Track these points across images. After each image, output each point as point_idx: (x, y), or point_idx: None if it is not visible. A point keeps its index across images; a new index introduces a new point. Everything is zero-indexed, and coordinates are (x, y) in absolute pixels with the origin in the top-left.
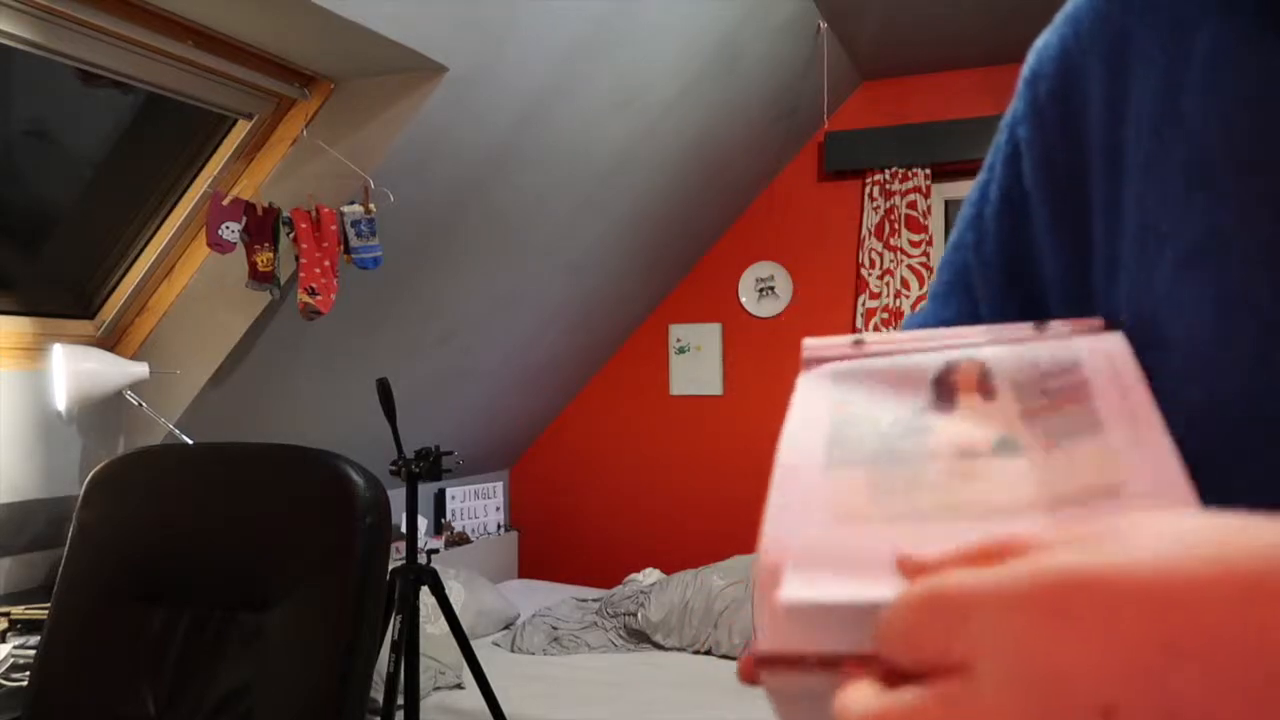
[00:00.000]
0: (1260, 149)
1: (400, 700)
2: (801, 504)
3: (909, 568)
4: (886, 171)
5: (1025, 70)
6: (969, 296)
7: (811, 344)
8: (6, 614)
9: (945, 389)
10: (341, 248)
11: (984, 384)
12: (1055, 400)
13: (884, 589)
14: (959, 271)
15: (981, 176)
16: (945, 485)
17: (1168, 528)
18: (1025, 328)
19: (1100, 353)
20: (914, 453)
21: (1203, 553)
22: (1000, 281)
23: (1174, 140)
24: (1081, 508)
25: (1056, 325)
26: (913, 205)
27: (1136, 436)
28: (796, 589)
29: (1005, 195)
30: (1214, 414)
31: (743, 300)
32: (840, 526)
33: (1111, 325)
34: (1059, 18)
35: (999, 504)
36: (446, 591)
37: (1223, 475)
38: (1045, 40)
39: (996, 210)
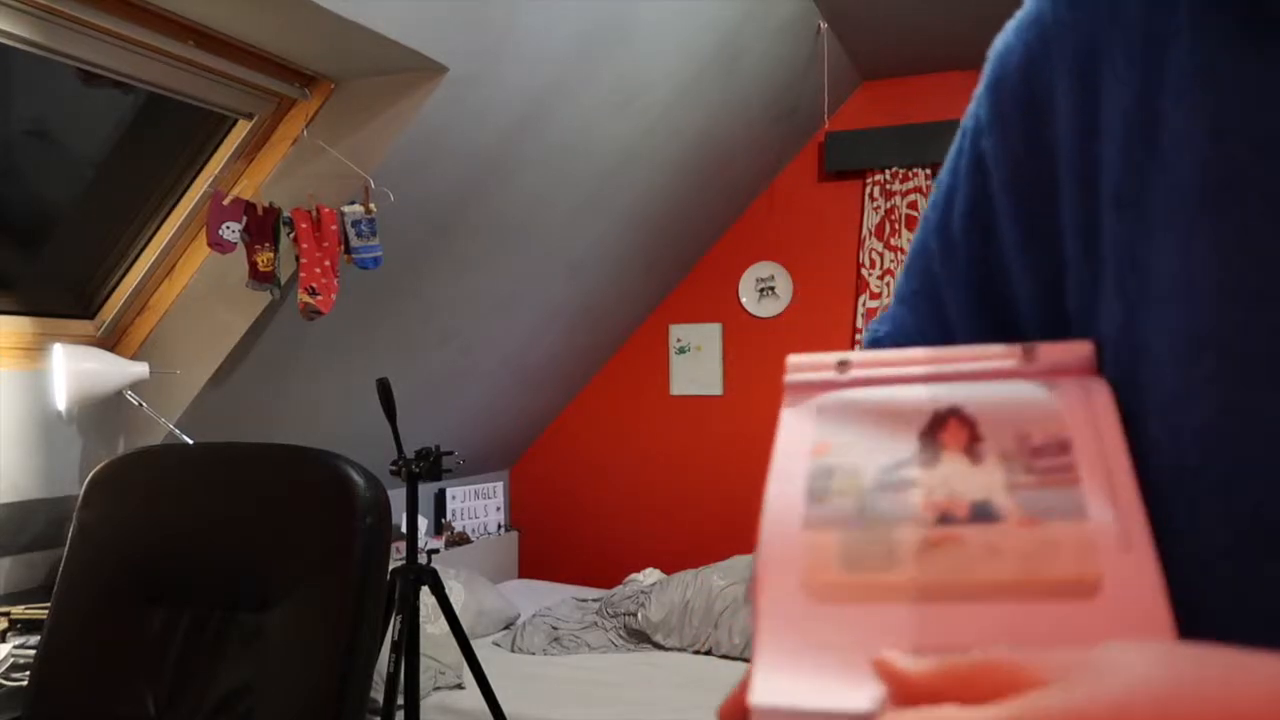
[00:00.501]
0: (1235, 182)
1: (400, 700)
2: (780, 569)
3: (889, 677)
4: (887, 171)
5: (987, 74)
6: (939, 305)
7: (796, 363)
8: (7, 614)
9: (931, 442)
10: (342, 248)
11: (971, 447)
12: (1041, 477)
13: (859, 697)
14: (926, 281)
15: (944, 177)
16: (919, 558)
17: (1159, 664)
18: (1014, 353)
19: (1085, 411)
20: (891, 514)
21: (1204, 691)
22: (972, 298)
23: (1150, 169)
24: (1058, 603)
25: (1045, 351)
26: (913, 205)
27: (1118, 524)
28: (767, 693)
29: (972, 210)
30: (1176, 457)
31: (743, 300)
32: (813, 604)
33: (1098, 348)
34: (1020, 20)
35: (973, 586)
36: (447, 591)
37: (1181, 516)
38: (1006, 44)
39: (964, 226)
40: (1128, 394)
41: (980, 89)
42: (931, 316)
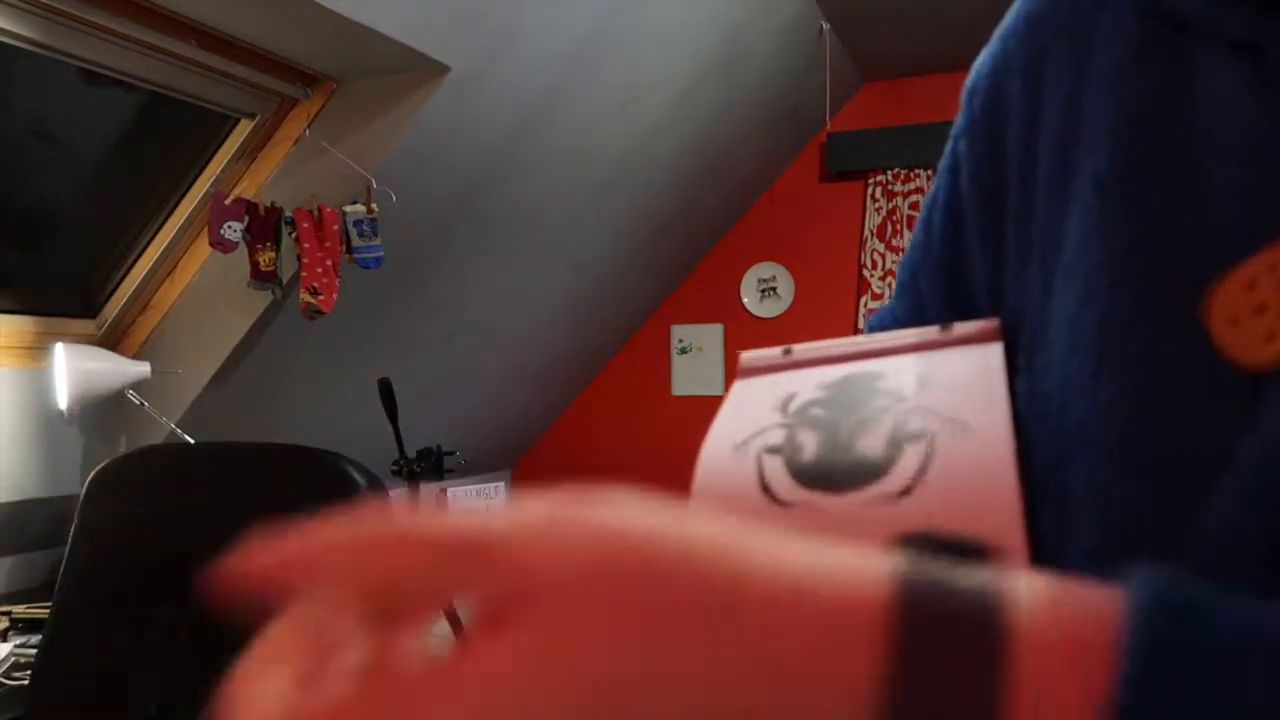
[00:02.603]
0: (1126, 170)
1: None
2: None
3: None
4: (889, 172)
5: (966, 84)
6: (918, 294)
7: (748, 357)
8: (8, 613)
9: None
10: (343, 247)
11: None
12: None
13: None
14: (911, 271)
15: (936, 180)
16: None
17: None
18: (934, 331)
19: (979, 364)
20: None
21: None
22: (944, 286)
23: (1072, 158)
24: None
25: (959, 327)
26: (915, 206)
27: (984, 447)
28: None
29: (947, 205)
30: (1059, 445)
31: (745, 301)
32: None
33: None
34: (996, 33)
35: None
36: None
37: (1053, 499)
38: (983, 56)
39: (940, 221)
40: (1036, 373)
41: (962, 96)
42: (913, 306)
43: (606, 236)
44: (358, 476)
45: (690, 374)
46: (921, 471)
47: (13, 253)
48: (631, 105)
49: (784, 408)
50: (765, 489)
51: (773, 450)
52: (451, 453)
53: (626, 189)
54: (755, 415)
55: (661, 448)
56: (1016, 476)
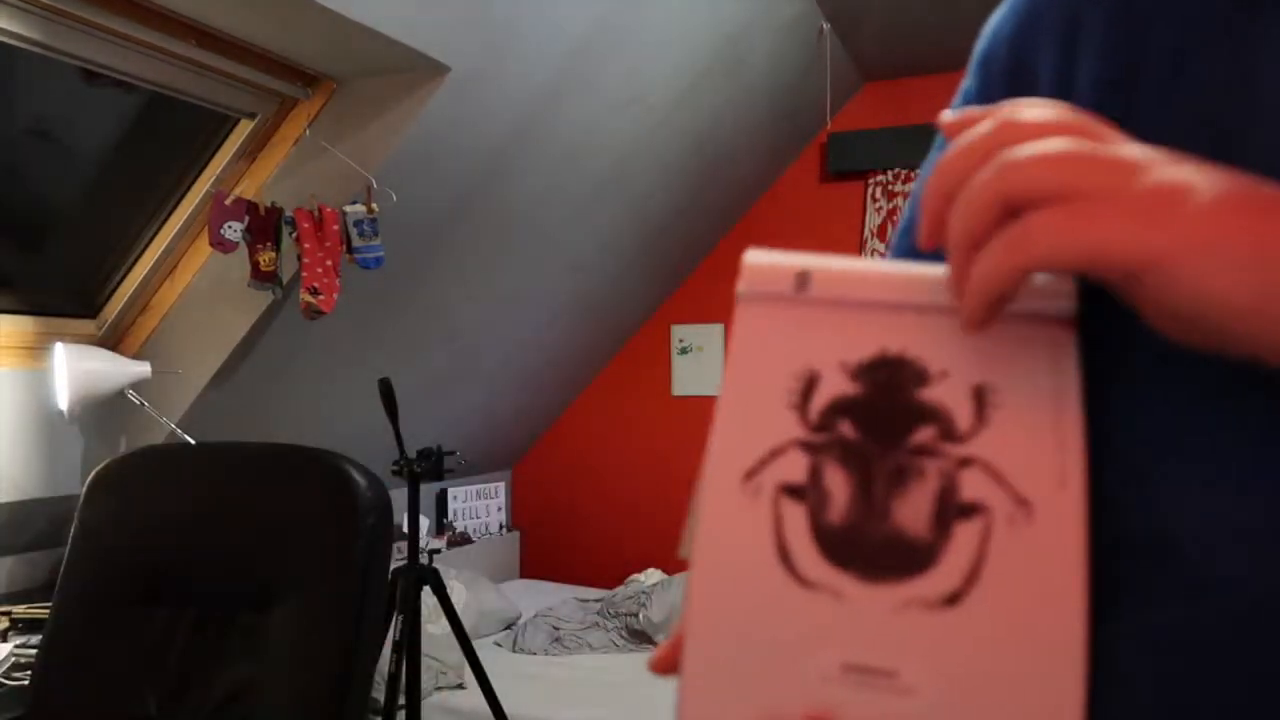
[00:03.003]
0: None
1: (401, 700)
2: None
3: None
4: (889, 173)
5: (977, 53)
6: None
7: (754, 271)
8: (8, 613)
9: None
10: (344, 247)
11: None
12: (981, 424)
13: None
14: (904, 255)
15: (931, 154)
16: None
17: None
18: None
19: (1046, 356)
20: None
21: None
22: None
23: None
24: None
25: (1039, 281)
26: None
27: (1058, 460)
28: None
29: None
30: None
31: None
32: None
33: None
34: (1013, 2)
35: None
36: (448, 591)
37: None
38: (998, 22)
39: None
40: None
41: (970, 65)
42: None
43: (607, 236)
44: (358, 476)
45: (691, 374)
46: (973, 575)
47: (13, 253)
48: (632, 105)
49: (803, 402)
50: (784, 557)
51: (794, 493)
52: (452, 452)
53: (627, 189)
54: (768, 410)
55: (662, 448)
56: (1085, 611)
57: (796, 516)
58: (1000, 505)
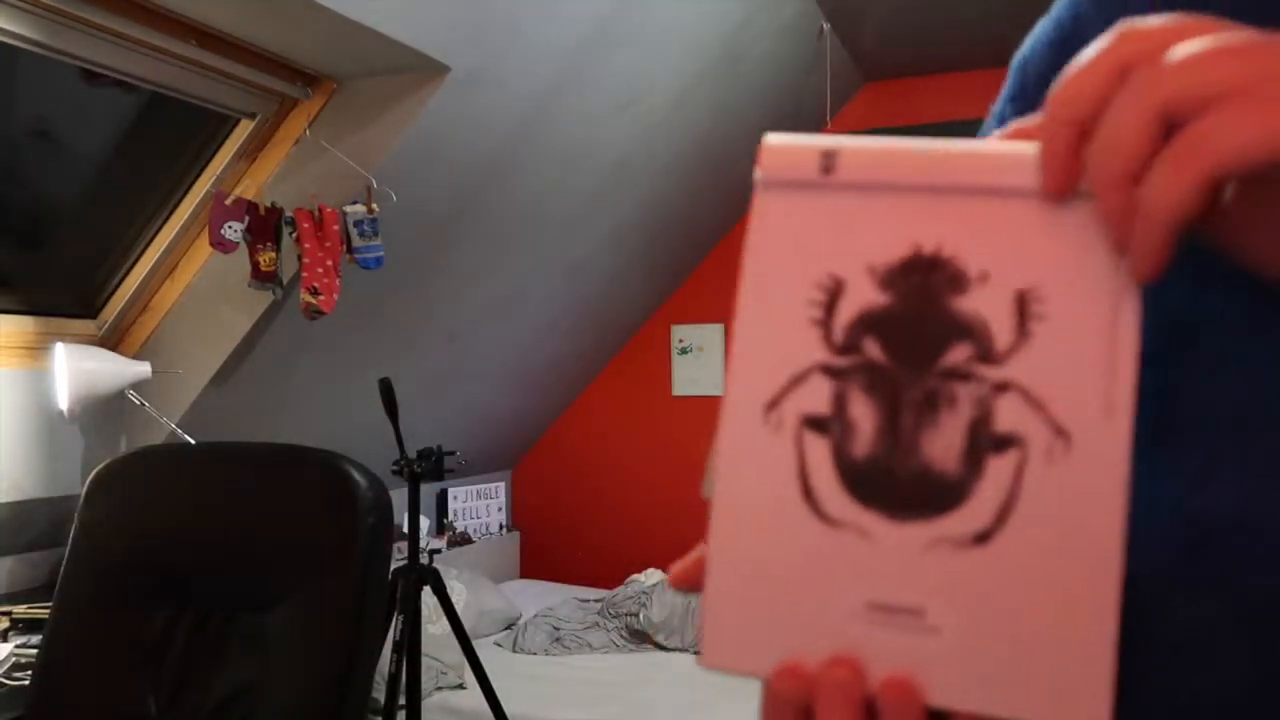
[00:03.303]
0: None
1: (402, 700)
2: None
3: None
4: None
5: (1017, 57)
6: None
7: (774, 154)
8: (8, 613)
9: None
10: (344, 247)
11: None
12: (1024, 337)
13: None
14: None
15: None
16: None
17: None
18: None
19: (1104, 264)
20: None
21: None
22: None
23: None
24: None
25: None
26: None
27: (1105, 389)
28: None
29: None
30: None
31: None
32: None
33: None
34: (1056, 5)
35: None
36: (448, 591)
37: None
38: (1040, 29)
39: None
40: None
41: (1010, 70)
42: None
43: (607, 236)
44: (358, 476)
45: (691, 374)
46: (1004, 512)
47: (13, 253)
48: (632, 105)
49: (827, 317)
50: (808, 495)
51: (817, 426)
52: (452, 453)
53: (627, 189)
54: (790, 327)
55: (662, 448)
56: (1119, 555)
57: (820, 451)
58: (1037, 437)
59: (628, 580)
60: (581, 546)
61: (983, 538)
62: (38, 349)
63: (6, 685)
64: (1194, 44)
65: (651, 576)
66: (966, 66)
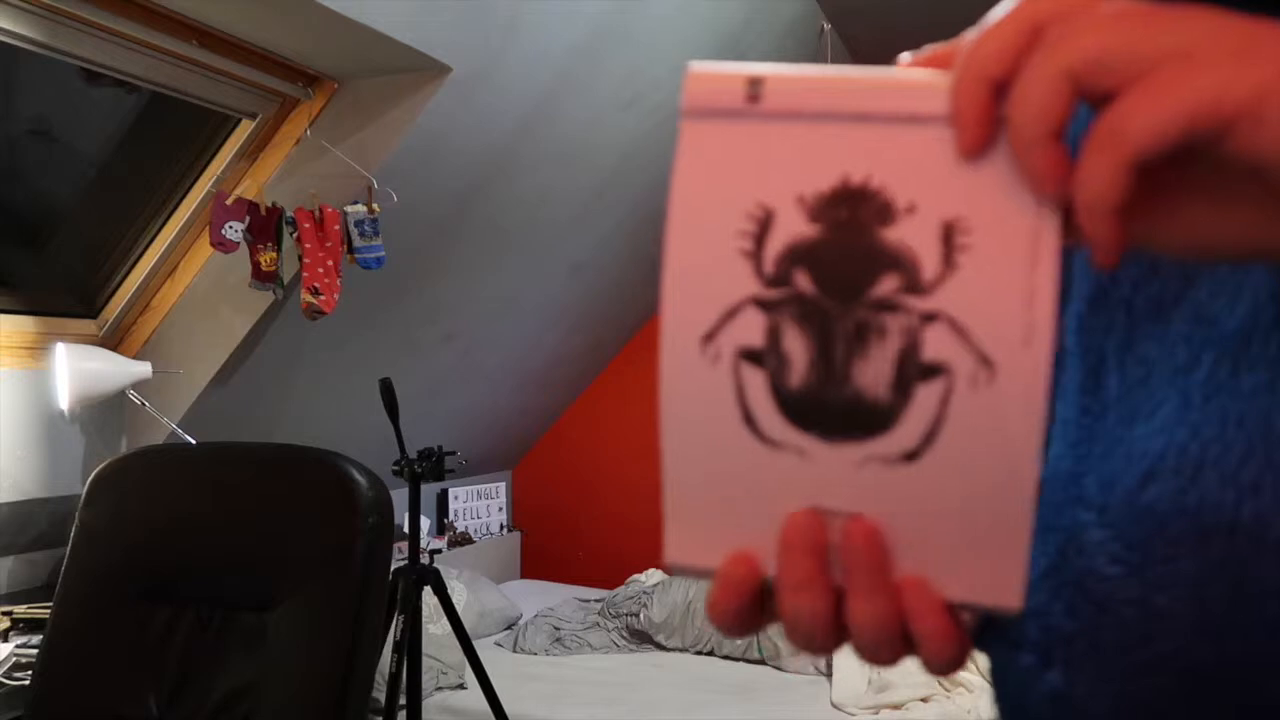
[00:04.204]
0: None
1: (402, 700)
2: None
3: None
4: None
5: None
6: None
7: (699, 83)
8: (9, 613)
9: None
10: (345, 248)
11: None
12: (950, 269)
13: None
14: None
15: None
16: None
17: None
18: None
19: (1020, 194)
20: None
21: None
22: None
23: None
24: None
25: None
26: None
27: (1024, 317)
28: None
29: None
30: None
31: None
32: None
33: None
34: None
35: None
36: (449, 592)
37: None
38: None
39: None
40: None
41: None
42: None
43: (608, 236)
44: (359, 476)
45: None
46: (931, 434)
47: (14, 253)
48: (633, 105)
49: (757, 248)
50: (748, 419)
51: (752, 357)
52: (452, 453)
53: (628, 189)
54: (720, 259)
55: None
56: (1034, 470)
57: (757, 382)
58: (962, 365)
59: (628, 580)
60: (582, 546)
61: (911, 456)
62: (38, 349)
63: (7, 685)
64: (1101, 10)
65: (652, 576)
66: None
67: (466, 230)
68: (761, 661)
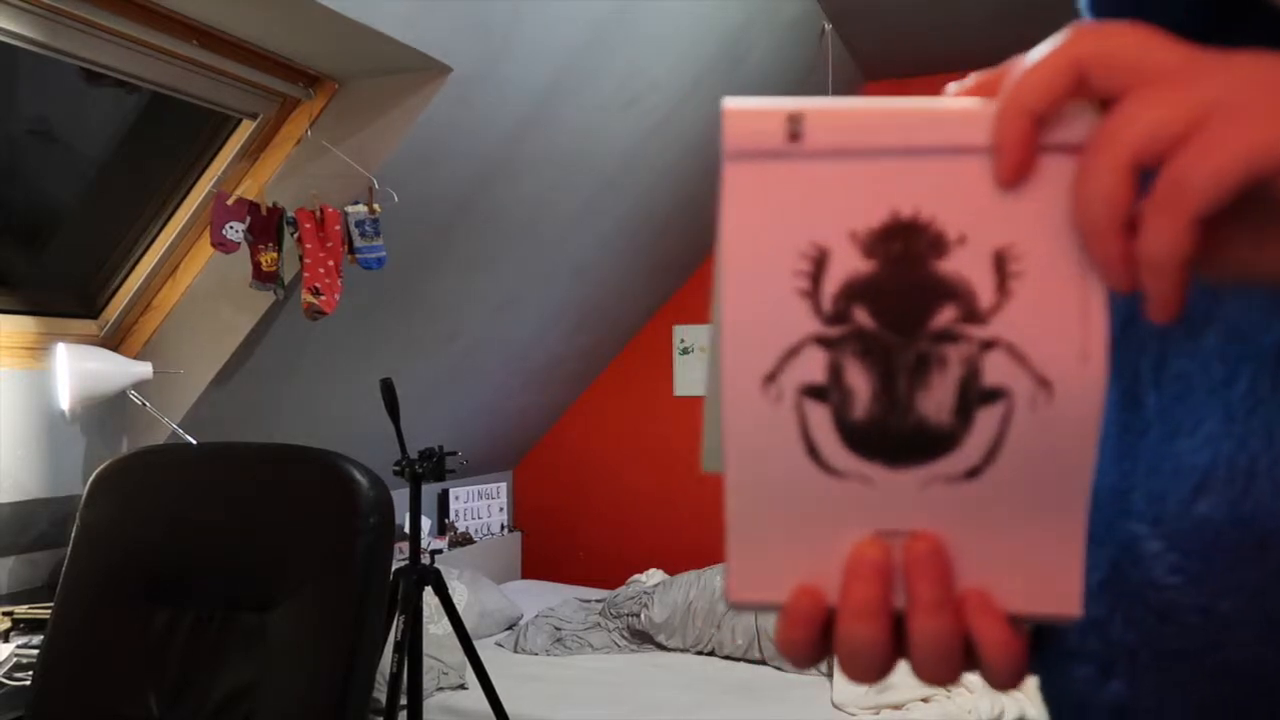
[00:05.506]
0: None
1: (403, 700)
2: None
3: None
4: None
5: None
6: None
7: (737, 123)
8: (10, 613)
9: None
10: (345, 248)
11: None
12: (1004, 297)
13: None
14: None
15: None
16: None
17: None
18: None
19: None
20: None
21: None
22: None
23: None
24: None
25: (1059, 128)
26: None
27: (1081, 336)
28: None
29: None
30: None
31: None
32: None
33: None
34: None
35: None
36: (450, 592)
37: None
38: None
39: None
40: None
41: None
42: None
43: (608, 236)
44: (359, 476)
45: (692, 374)
46: (993, 452)
47: (15, 253)
48: (634, 105)
49: (814, 287)
50: (812, 451)
51: (815, 394)
52: (453, 453)
53: (628, 189)
54: (777, 299)
55: (664, 448)
56: (1089, 480)
57: (821, 416)
58: (1022, 388)
59: (629, 580)
60: (583, 547)
61: (973, 473)
62: (39, 349)
63: (8, 685)
64: (1141, 60)
65: (653, 576)
66: (968, 66)
67: (467, 230)
68: (762, 661)
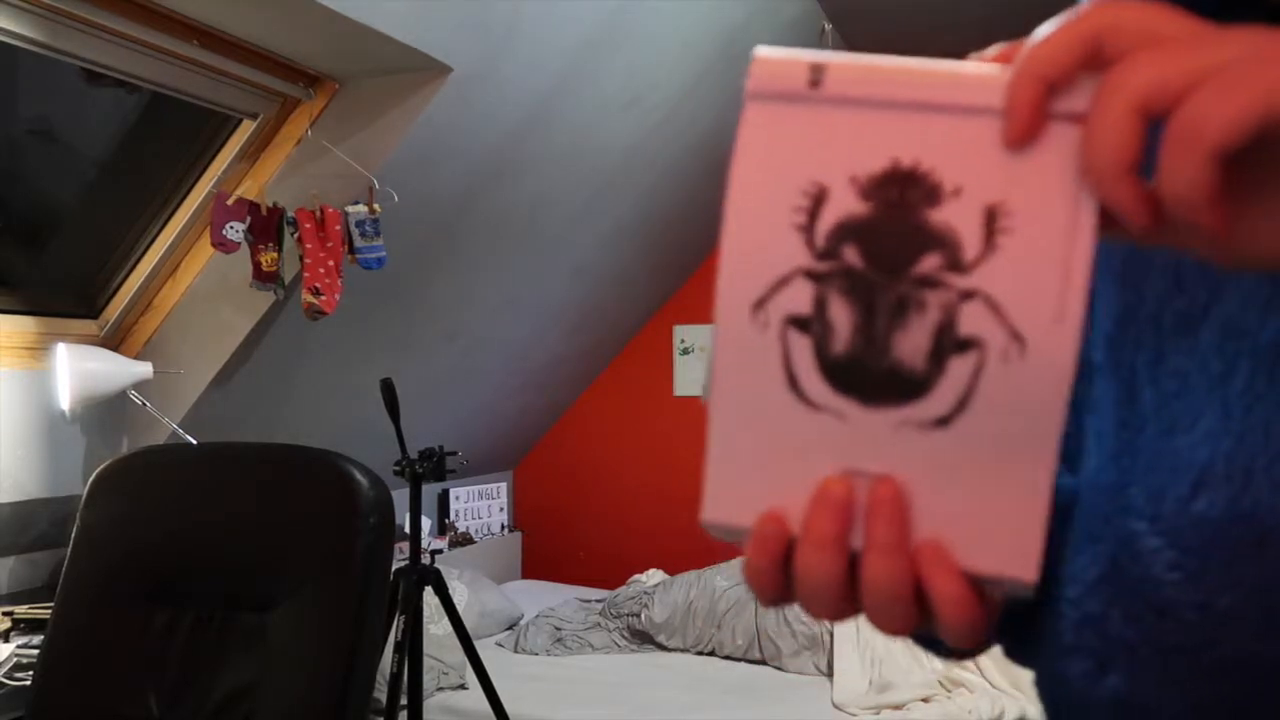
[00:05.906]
0: None
1: (403, 700)
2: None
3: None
4: None
5: None
6: None
7: (764, 66)
8: (10, 613)
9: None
10: (346, 248)
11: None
12: (989, 248)
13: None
14: None
15: None
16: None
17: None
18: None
19: (1067, 180)
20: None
21: None
22: None
23: None
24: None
25: (1067, 98)
26: None
27: (1057, 295)
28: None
29: None
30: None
31: None
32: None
33: None
34: None
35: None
36: (450, 592)
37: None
38: None
39: None
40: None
41: None
42: None
43: (608, 236)
44: (360, 476)
45: (692, 374)
46: (963, 402)
47: (15, 253)
48: (634, 105)
49: (810, 223)
50: (792, 382)
51: (799, 325)
52: (453, 453)
53: (628, 189)
54: (774, 231)
55: (664, 448)
56: (1056, 444)
57: (803, 348)
58: (995, 340)
59: (629, 580)
60: (583, 547)
61: (943, 422)
62: (39, 349)
63: (8, 685)
64: (1154, 29)
65: (653, 576)
66: None
67: (467, 230)
68: (762, 662)
